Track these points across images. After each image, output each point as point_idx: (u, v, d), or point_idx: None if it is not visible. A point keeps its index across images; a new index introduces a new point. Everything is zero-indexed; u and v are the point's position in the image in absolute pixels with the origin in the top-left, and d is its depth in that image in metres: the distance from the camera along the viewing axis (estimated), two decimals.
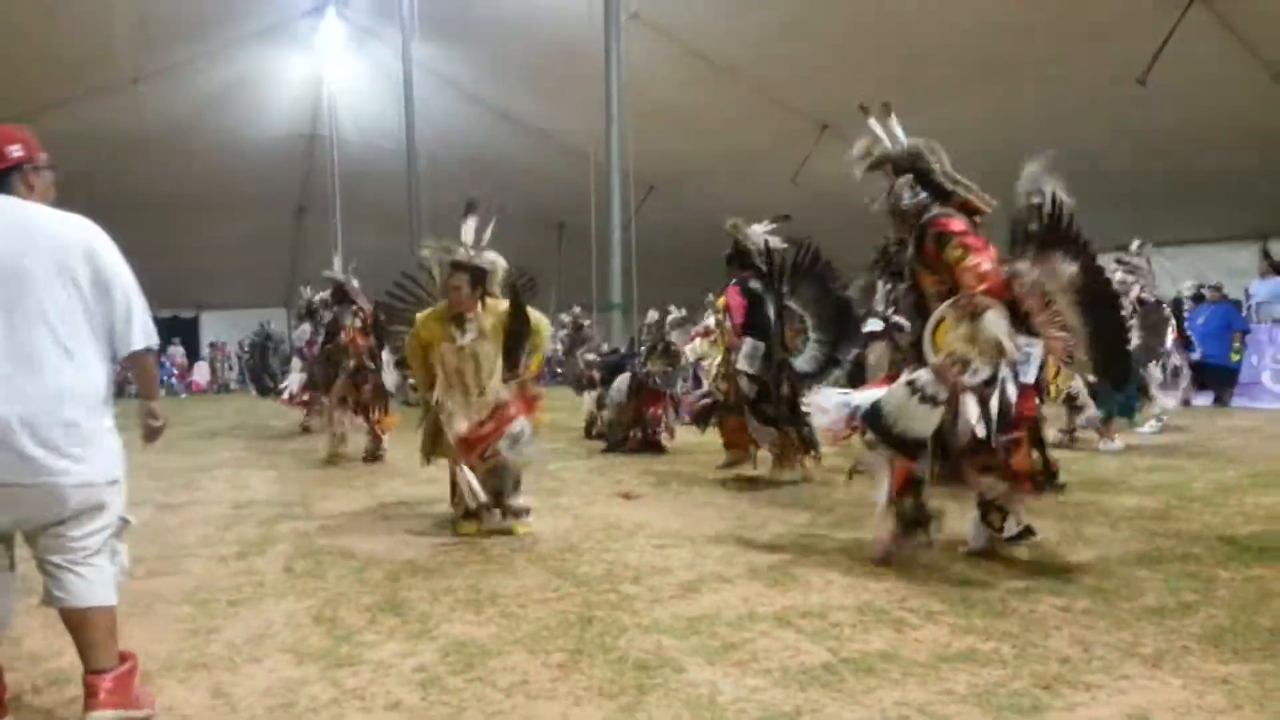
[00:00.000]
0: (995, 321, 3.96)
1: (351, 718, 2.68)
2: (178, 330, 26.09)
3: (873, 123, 4.42)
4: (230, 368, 26.52)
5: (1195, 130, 12.63)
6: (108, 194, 18.92)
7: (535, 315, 5.37)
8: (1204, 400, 12.36)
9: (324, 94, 20.34)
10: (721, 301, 7.06)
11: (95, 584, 2.70)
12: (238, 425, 13.63)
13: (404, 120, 17.69)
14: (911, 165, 4.29)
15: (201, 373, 26.05)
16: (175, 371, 25.40)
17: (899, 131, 4.37)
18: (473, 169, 18.22)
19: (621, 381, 9.19)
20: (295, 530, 5.54)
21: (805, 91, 14.95)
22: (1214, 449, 8.16)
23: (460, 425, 5.11)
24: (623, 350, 11.08)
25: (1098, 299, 3.92)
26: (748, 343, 6.55)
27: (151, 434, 2.97)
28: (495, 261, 5.21)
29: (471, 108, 19.06)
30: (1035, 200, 4.01)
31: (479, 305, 5.14)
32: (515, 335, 5.24)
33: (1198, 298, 12.11)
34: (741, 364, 6.57)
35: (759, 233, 6.87)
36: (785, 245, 6.78)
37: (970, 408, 3.97)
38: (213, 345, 26.76)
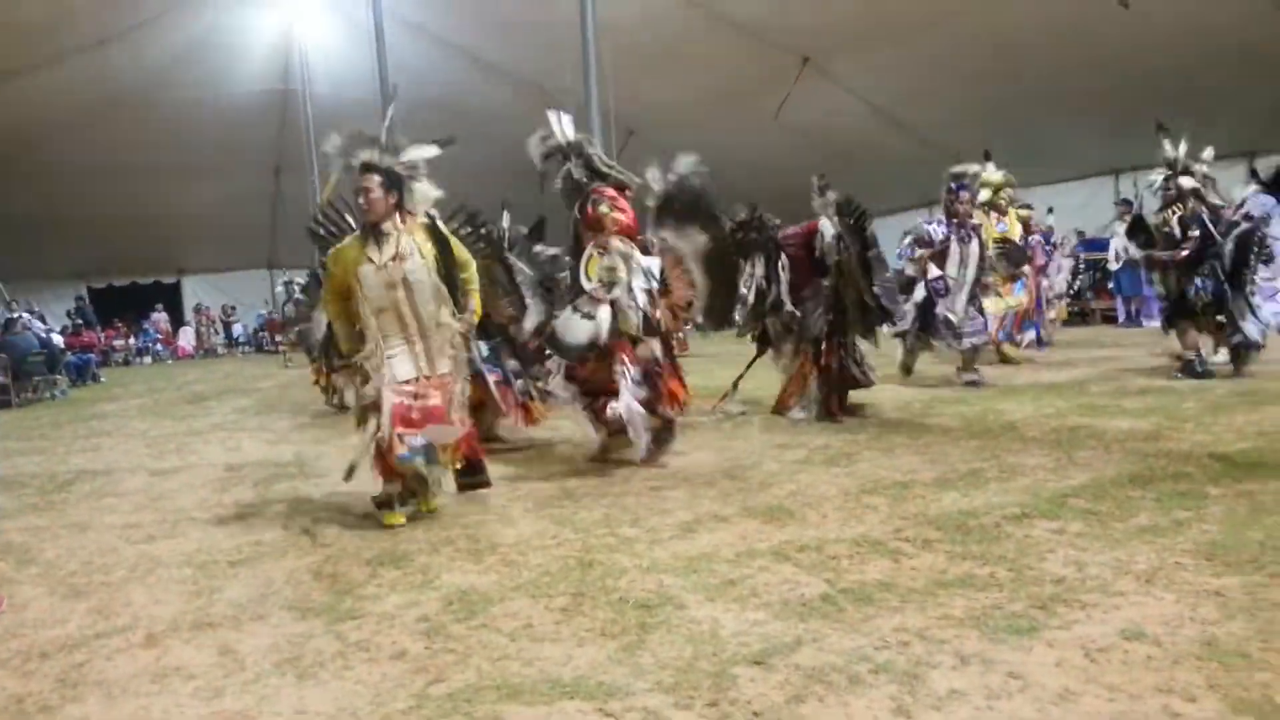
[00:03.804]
0: (619, 246, 5.26)
1: (358, 668, 2.69)
2: (160, 296, 25.81)
3: (551, 115, 5.53)
4: (216, 332, 26.32)
5: (1178, 50, 12.54)
6: (80, 161, 18.75)
7: (460, 248, 4.65)
8: None
9: (294, 47, 19.91)
10: None
11: None
12: (227, 389, 13.57)
13: (377, 72, 17.33)
14: (579, 152, 5.50)
15: (187, 337, 25.81)
16: (159, 337, 25.17)
17: (569, 127, 5.54)
18: (451, 121, 17.79)
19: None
20: (291, 490, 5.55)
21: (784, 23, 14.70)
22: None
23: (403, 369, 4.35)
24: None
25: (719, 261, 5.72)
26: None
27: None
28: (418, 171, 4.53)
29: (446, 56, 18.66)
30: (672, 186, 5.60)
31: (398, 218, 4.39)
32: (445, 267, 4.48)
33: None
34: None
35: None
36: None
37: (604, 315, 5.22)
38: (197, 310, 26.45)
